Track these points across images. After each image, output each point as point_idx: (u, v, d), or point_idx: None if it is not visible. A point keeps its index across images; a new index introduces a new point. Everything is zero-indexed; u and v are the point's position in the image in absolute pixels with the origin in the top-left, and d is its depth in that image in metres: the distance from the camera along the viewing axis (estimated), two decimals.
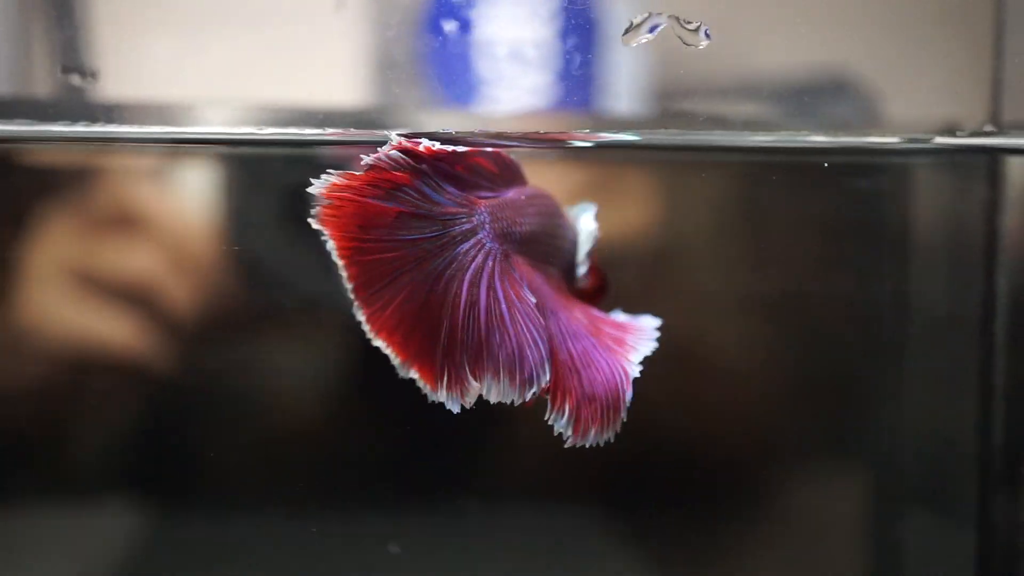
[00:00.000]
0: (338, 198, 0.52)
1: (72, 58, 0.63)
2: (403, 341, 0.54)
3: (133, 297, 0.71)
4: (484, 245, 0.54)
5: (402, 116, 0.64)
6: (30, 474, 0.73)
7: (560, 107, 0.63)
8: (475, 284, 0.53)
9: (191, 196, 0.72)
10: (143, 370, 0.72)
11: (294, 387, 0.73)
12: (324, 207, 0.52)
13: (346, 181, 0.53)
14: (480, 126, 0.63)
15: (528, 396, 0.53)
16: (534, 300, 0.54)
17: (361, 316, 0.54)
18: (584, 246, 0.60)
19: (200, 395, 0.74)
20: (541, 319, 0.54)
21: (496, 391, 0.53)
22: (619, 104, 0.64)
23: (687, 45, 0.60)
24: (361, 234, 0.53)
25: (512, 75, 0.63)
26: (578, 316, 0.57)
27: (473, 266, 0.54)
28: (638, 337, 0.57)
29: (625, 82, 0.64)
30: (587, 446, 0.53)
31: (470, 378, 0.52)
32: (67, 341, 0.71)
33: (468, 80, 0.63)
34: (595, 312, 0.59)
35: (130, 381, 0.72)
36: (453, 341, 0.53)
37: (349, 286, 0.54)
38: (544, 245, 0.58)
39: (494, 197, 0.56)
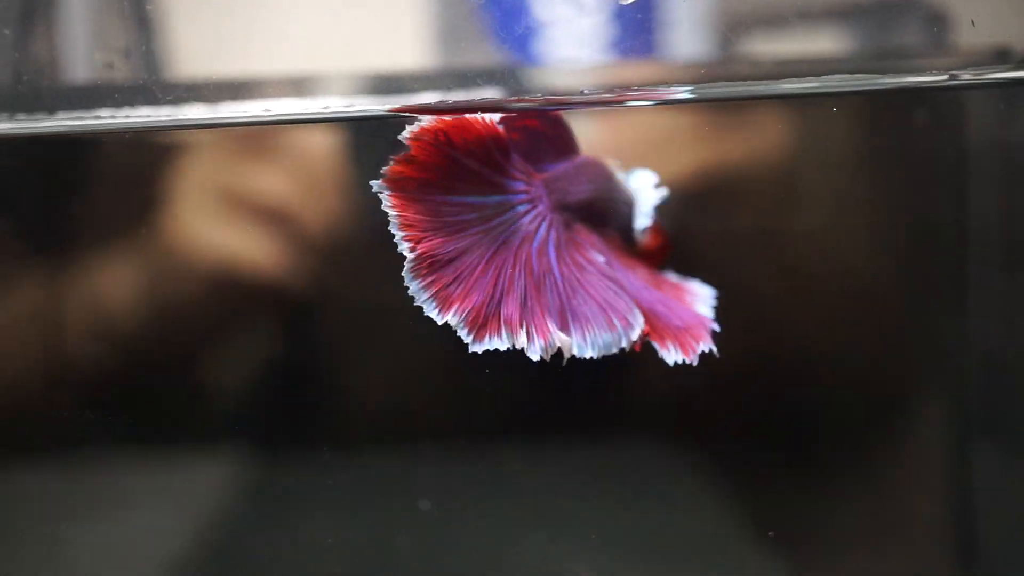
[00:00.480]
0: (423, 151, 0.53)
1: None
2: (477, 312, 0.54)
3: (274, 217, 0.74)
4: (545, 216, 0.56)
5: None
6: (175, 394, 0.76)
7: (623, 56, 0.62)
8: (543, 253, 0.55)
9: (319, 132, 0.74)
10: (284, 288, 0.75)
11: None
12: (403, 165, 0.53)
13: (428, 138, 0.53)
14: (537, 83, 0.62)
15: (632, 340, 0.55)
16: (603, 259, 0.56)
17: (426, 292, 0.53)
18: (641, 209, 0.61)
19: (336, 318, 0.76)
20: (614, 274, 0.56)
21: (594, 345, 0.54)
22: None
23: None
24: (432, 198, 0.53)
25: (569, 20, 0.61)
26: (641, 273, 0.59)
27: (539, 236, 0.55)
28: (697, 297, 0.60)
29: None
30: None
31: (559, 332, 0.54)
32: (216, 259, 0.75)
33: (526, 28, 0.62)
34: (654, 272, 0.60)
35: (272, 299, 0.76)
36: (535, 305, 0.54)
37: (412, 259, 0.53)
38: (599, 210, 0.58)
39: (548, 168, 0.57)
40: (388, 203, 0.53)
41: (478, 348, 0.54)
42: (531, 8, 0.61)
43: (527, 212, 0.55)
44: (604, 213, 0.59)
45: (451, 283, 0.53)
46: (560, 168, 0.58)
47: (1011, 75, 0.59)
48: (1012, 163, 0.70)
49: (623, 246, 0.60)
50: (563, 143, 0.59)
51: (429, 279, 0.53)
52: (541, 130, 0.58)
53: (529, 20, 0.61)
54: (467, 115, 0.54)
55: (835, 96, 0.65)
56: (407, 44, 0.64)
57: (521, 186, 0.55)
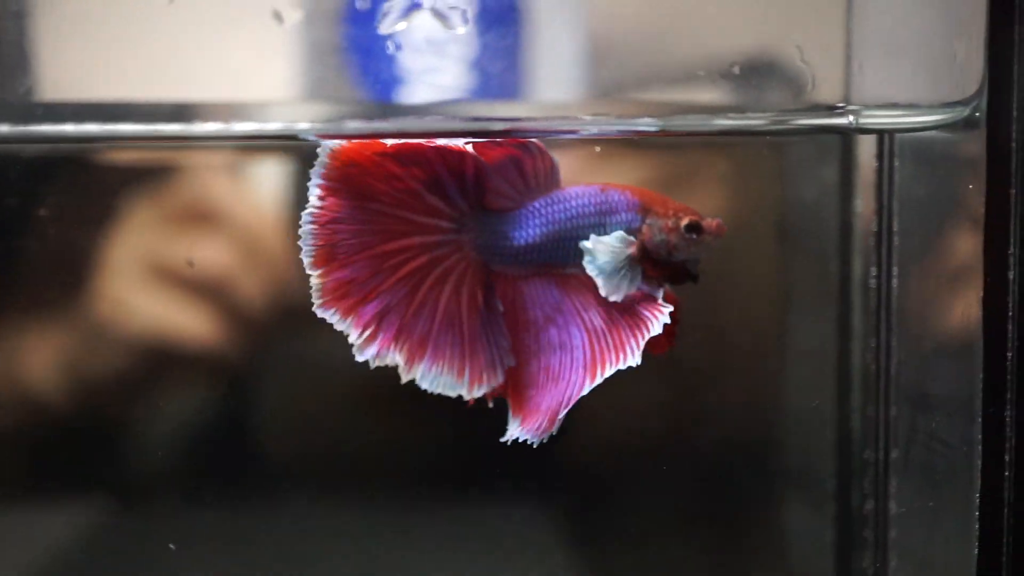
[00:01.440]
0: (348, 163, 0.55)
1: None
2: (368, 321, 0.57)
3: (207, 290, 0.73)
4: (466, 255, 0.58)
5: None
6: (100, 463, 0.75)
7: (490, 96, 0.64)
8: (443, 283, 0.57)
9: (262, 191, 0.75)
10: (216, 361, 0.74)
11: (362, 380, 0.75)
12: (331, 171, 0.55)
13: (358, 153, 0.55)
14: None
15: (473, 395, 0.58)
16: (502, 309, 0.58)
17: (333, 309, 0.56)
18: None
19: (269, 387, 0.76)
20: (504, 328, 0.58)
21: (432, 382, 0.57)
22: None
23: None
24: (361, 204, 0.56)
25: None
26: (587, 322, 0.58)
27: (448, 267, 0.57)
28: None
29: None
30: None
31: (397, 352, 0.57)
32: (143, 332, 0.73)
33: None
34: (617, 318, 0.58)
35: (203, 372, 0.75)
36: (400, 322, 0.57)
37: (322, 280, 0.56)
38: (557, 252, 0.58)
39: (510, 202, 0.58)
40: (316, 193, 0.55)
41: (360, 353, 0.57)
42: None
43: (449, 244, 0.57)
44: (564, 254, 0.58)
45: (357, 291, 0.56)
46: (515, 209, 0.58)
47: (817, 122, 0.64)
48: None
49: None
50: (541, 180, 0.59)
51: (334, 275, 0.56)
52: (513, 170, 0.58)
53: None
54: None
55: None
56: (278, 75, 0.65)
57: (450, 222, 0.57)
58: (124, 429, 0.75)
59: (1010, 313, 0.60)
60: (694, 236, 0.57)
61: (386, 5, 0.61)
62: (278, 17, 0.61)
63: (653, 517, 0.78)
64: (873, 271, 0.69)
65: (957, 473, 0.63)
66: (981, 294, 0.60)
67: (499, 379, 0.58)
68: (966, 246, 0.61)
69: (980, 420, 0.61)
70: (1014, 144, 0.59)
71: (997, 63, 0.58)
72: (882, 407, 0.70)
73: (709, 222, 0.57)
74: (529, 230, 0.58)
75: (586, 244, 0.57)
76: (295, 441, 0.77)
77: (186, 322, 0.73)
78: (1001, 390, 0.60)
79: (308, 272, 0.56)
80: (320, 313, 0.56)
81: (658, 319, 0.56)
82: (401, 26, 0.60)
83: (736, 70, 0.61)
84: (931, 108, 0.61)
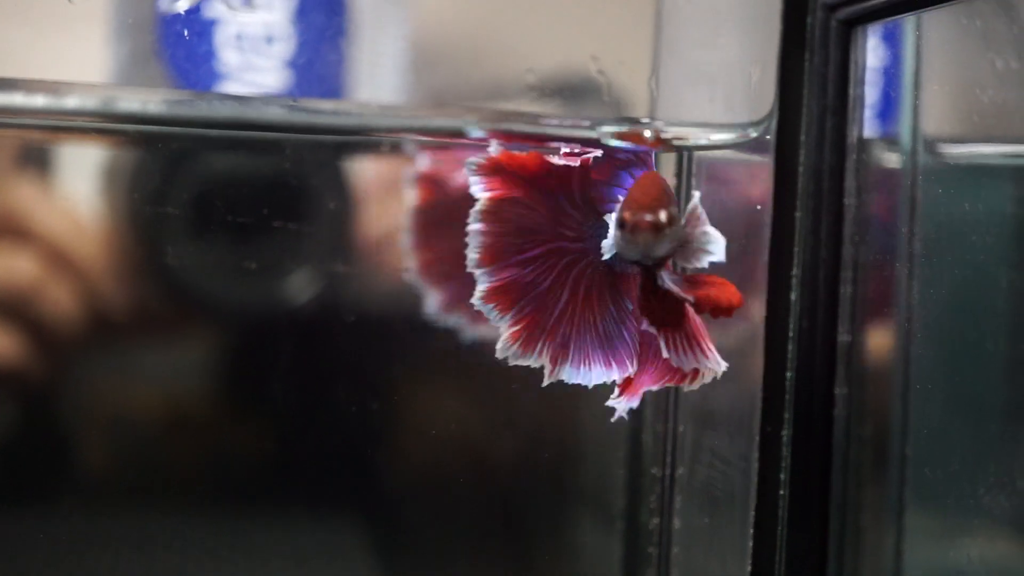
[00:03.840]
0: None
1: None
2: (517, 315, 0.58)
3: (9, 307, 0.69)
4: (591, 262, 0.59)
5: None
6: None
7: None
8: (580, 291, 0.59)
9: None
10: (18, 383, 0.70)
11: (178, 395, 0.74)
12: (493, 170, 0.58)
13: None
14: None
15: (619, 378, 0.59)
16: (631, 307, 0.59)
17: (481, 285, 0.58)
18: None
19: (78, 407, 0.73)
20: (633, 322, 0.59)
21: (587, 377, 0.59)
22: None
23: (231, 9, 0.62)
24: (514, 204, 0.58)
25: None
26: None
27: (584, 279, 0.59)
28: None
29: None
30: None
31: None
32: None
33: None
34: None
35: (4, 393, 0.71)
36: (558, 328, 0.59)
37: (479, 252, 0.58)
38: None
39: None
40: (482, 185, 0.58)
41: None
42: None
43: (577, 251, 0.60)
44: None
45: (500, 287, 0.59)
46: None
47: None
48: None
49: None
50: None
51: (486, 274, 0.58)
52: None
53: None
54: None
55: None
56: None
57: (580, 228, 0.60)
58: None
59: (791, 334, 0.62)
60: (626, 233, 0.56)
61: None
62: None
63: (449, 531, 0.78)
64: None
65: (735, 490, 0.64)
66: (764, 314, 0.62)
67: (633, 368, 0.59)
68: (752, 266, 0.62)
69: (758, 439, 0.62)
70: (801, 167, 0.60)
71: (788, 89, 0.60)
72: (671, 424, 0.71)
73: (630, 216, 0.56)
74: None
75: None
76: (105, 455, 0.74)
77: None
78: (779, 409, 0.62)
79: (472, 268, 0.58)
80: (479, 306, 0.58)
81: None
82: (182, 5, 0.59)
83: (532, 79, 0.62)
84: (724, 127, 0.63)
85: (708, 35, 0.65)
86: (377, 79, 0.66)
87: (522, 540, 0.78)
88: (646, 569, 0.74)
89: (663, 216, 0.55)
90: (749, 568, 0.63)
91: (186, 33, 0.62)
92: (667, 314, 0.58)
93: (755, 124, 0.61)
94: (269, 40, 0.63)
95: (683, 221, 0.56)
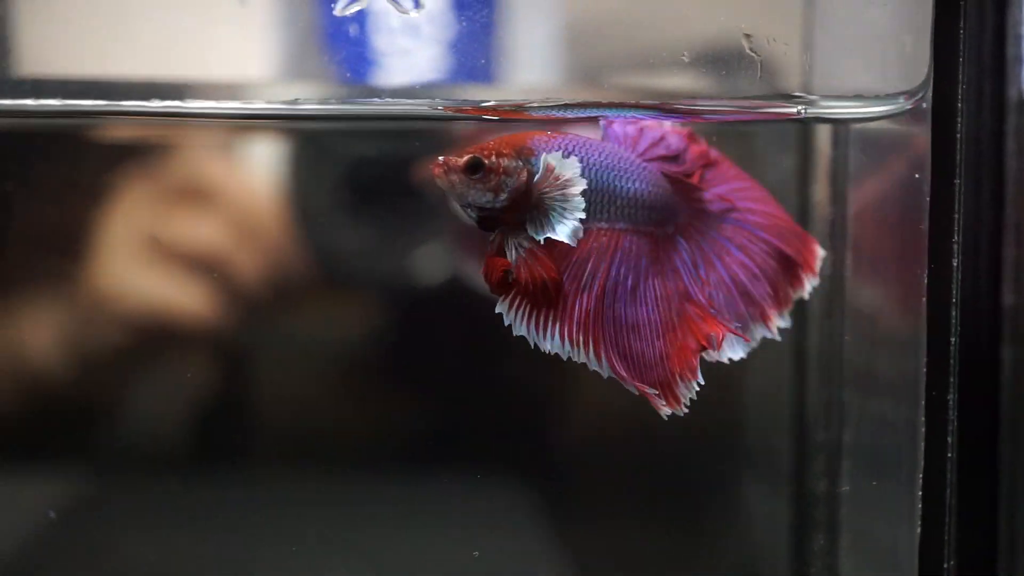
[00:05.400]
0: None
1: None
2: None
3: (202, 266, 0.74)
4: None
5: None
6: (97, 438, 0.76)
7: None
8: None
9: (257, 170, 0.76)
10: (211, 338, 0.75)
11: (351, 361, 0.77)
12: None
13: None
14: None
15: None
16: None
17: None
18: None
19: (263, 362, 0.77)
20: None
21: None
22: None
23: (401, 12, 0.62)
24: None
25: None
26: None
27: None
28: None
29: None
30: None
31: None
32: (139, 308, 0.74)
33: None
34: None
35: (197, 348, 0.76)
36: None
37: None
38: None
39: None
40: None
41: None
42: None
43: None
44: None
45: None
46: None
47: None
48: None
49: None
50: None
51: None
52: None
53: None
54: None
55: None
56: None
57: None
58: (120, 405, 0.76)
59: (953, 299, 0.62)
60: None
61: None
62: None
63: (618, 497, 0.80)
64: (828, 257, 0.71)
65: (901, 455, 0.64)
66: (926, 281, 0.62)
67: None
68: (913, 234, 0.62)
69: (923, 403, 0.62)
70: (959, 135, 0.60)
71: (942, 55, 0.60)
72: (835, 390, 0.72)
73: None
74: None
75: None
76: (288, 416, 0.78)
77: (181, 298, 0.74)
78: (944, 374, 0.62)
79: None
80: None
81: None
82: (354, 8, 0.62)
83: (686, 57, 0.63)
84: (879, 99, 0.63)
85: (859, 5, 0.65)
86: (530, 60, 0.67)
87: (690, 506, 0.80)
88: (814, 533, 0.75)
89: (460, 161, 0.54)
90: (918, 531, 0.63)
91: (350, 29, 0.64)
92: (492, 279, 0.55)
93: (911, 92, 0.61)
94: (424, 27, 0.64)
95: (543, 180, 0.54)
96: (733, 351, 0.57)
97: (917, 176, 0.61)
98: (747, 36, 0.62)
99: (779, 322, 0.61)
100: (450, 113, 0.65)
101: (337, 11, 0.62)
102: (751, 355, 0.60)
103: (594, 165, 0.56)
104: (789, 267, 0.60)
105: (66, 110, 0.65)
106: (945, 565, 0.63)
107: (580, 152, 0.56)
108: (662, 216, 0.58)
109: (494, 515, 0.77)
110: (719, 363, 0.58)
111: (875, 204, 0.68)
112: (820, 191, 0.72)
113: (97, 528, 0.76)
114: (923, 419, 0.62)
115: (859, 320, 0.70)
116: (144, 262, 0.74)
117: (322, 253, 0.76)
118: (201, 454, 0.77)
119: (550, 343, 0.55)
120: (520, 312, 0.54)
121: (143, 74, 0.65)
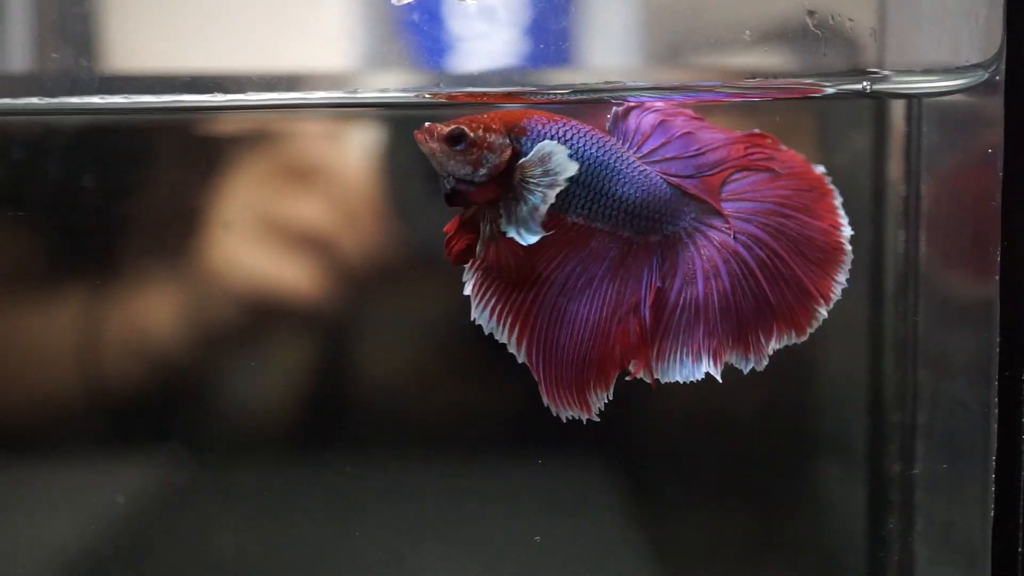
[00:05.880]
0: None
1: None
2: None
3: (312, 245, 0.76)
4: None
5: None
6: (211, 413, 0.78)
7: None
8: None
9: (360, 155, 0.77)
10: (319, 315, 0.77)
11: (438, 344, 0.78)
12: None
13: None
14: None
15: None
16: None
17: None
18: None
19: (369, 341, 0.78)
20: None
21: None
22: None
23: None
24: None
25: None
26: None
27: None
28: None
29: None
30: None
31: None
32: (251, 284, 0.76)
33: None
34: None
35: (307, 325, 0.78)
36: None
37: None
38: None
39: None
40: None
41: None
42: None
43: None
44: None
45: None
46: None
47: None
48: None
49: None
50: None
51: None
52: None
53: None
54: None
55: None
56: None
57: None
58: (233, 380, 0.78)
59: None
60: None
61: None
62: None
63: (693, 482, 0.80)
64: (902, 235, 0.70)
65: (975, 436, 0.63)
66: (999, 258, 0.60)
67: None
68: (986, 210, 0.61)
69: (997, 383, 0.61)
70: None
71: (1015, 26, 0.58)
72: (910, 371, 0.71)
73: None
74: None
75: None
76: (391, 395, 0.79)
77: (292, 276, 0.76)
78: (1018, 353, 0.61)
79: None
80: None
81: None
82: None
83: (747, 35, 0.62)
84: (952, 72, 0.62)
85: None
86: (606, 41, 0.67)
87: (766, 488, 0.79)
88: (889, 515, 0.74)
89: (444, 130, 0.54)
90: (992, 513, 0.62)
91: (415, 17, 0.65)
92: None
93: (984, 66, 0.60)
94: (498, 10, 0.65)
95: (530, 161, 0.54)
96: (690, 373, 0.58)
97: (990, 151, 0.60)
98: (810, 14, 0.62)
99: (738, 362, 0.59)
100: (536, 95, 0.65)
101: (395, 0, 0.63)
102: (825, 337, 0.60)
103: (587, 159, 0.55)
104: (802, 295, 0.58)
105: (179, 106, 0.69)
106: (1020, 548, 0.62)
107: (577, 142, 0.55)
108: (646, 225, 0.57)
109: (571, 500, 0.78)
110: (795, 346, 0.58)
111: (948, 180, 0.66)
112: (894, 169, 0.71)
113: (211, 502, 0.78)
114: (996, 400, 0.61)
115: (932, 300, 0.69)
116: (255, 240, 0.76)
117: (421, 233, 0.76)
118: (306, 432, 0.78)
119: (478, 313, 0.56)
120: (482, 286, 0.55)
121: (251, 68, 0.68)
